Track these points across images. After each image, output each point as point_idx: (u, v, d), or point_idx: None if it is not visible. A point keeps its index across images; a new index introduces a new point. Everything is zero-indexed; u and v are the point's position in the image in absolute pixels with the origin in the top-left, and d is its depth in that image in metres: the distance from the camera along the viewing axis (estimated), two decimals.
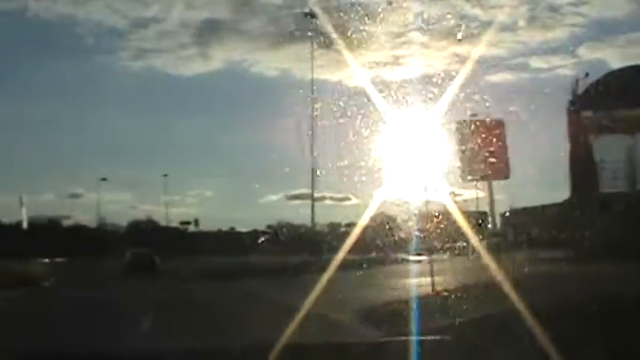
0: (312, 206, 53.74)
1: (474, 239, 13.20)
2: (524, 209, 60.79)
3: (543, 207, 61.26)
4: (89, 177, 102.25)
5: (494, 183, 30.21)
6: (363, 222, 13.73)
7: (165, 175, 79.06)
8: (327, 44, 12.81)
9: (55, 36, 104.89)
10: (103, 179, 77.31)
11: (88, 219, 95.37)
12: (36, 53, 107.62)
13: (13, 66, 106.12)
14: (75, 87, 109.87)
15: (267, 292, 22.24)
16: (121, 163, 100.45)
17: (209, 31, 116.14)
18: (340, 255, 14.84)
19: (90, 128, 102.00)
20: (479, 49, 14.10)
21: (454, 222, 12.92)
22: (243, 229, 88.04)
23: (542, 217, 56.41)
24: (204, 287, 27.72)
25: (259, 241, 70.28)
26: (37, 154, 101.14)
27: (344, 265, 15.81)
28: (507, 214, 58.37)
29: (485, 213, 53.18)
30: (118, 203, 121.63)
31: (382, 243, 15.35)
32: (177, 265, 46.12)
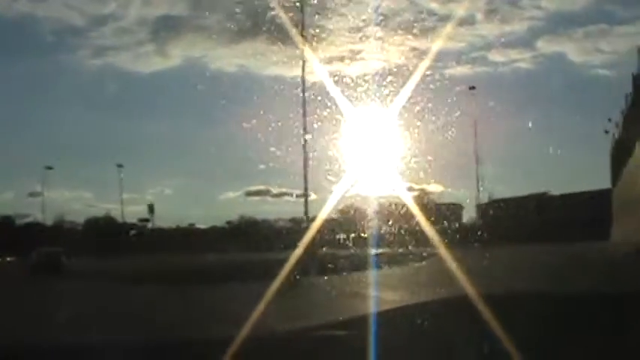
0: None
1: (431, 233, 13.23)
2: (503, 200, 60.30)
3: (524, 198, 60.74)
4: (48, 176, 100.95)
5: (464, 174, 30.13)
6: (323, 217, 13.73)
7: (120, 166, 76.28)
8: (286, 40, 12.78)
9: (15, 34, 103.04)
10: (49, 167, 72.93)
11: (46, 217, 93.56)
12: None
13: None
14: (35, 85, 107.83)
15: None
16: (81, 161, 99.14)
17: (167, 28, 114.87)
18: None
19: (49, 127, 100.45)
20: (437, 44, 14.21)
21: (412, 216, 13.01)
22: (203, 226, 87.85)
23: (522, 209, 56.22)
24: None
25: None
26: None
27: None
28: (485, 205, 57.85)
29: (458, 205, 52.89)
30: (77, 201, 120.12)
31: (344, 238, 15.38)
32: (112, 263, 44.57)
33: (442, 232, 16.30)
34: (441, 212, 36.94)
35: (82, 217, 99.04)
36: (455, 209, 51.95)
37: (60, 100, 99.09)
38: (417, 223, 13.19)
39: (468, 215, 60.54)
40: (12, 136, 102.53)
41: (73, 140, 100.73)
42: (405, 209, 13.01)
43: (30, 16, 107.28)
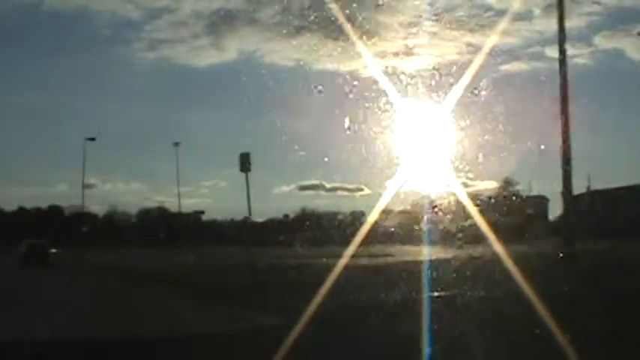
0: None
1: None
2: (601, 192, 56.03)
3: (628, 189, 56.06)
4: (103, 168, 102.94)
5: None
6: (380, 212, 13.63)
7: (177, 144, 73.03)
8: (340, 34, 12.75)
9: (71, 29, 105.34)
10: (91, 139, 67.11)
11: (100, 209, 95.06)
12: (52, 46, 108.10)
13: (29, 59, 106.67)
14: (91, 79, 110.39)
15: None
16: (135, 154, 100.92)
17: (222, 21, 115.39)
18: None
19: (105, 120, 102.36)
20: (493, 39, 14.03)
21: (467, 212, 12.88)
22: (259, 219, 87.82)
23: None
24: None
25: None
26: (51, 145, 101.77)
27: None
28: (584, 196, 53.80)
29: (543, 197, 50.20)
30: (131, 194, 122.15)
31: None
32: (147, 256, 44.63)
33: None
34: (528, 205, 35.41)
35: (135, 209, 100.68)
36: (540, 202, 48.49)
37: (115, 93, 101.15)
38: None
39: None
40: (67, 128, 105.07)
41: (127, 133, 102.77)
42: (462, 206, 12.88)
43: (85, 9, 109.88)
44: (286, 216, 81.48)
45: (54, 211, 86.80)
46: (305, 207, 76.09)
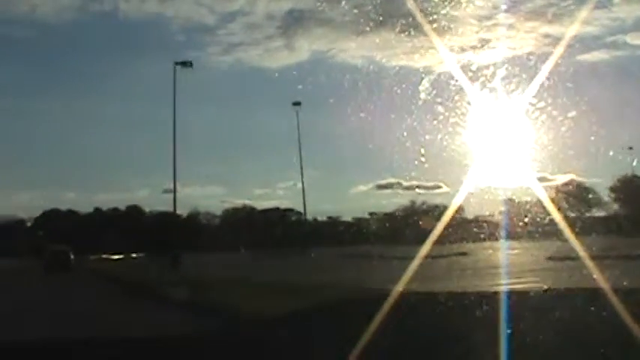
0: None
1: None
2: None
3: None
4: (182, 173, 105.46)
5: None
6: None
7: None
8: (413, 30, 12.65)
9: (146, 35, 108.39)
10: None
11: (181, 212, 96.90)
12: (128, 53, 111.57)
13: (107, 67, 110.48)
14: (167, 85, 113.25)
15: None
16: (213, 158, 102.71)
17: (294, 22, 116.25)
18: None
19: (183, 124, 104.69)
20: (571, 29, 13.63)
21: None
22: (347, 219, 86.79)
23: None
24: None
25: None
26: (130, 152, 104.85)
27: None
28: None
29: None
30: (210, 198, 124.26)
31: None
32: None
33: None
34: None
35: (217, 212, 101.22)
36: None
37: (192, 98, 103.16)
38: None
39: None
40: (146, 134, 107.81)
41: (204, 137, 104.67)
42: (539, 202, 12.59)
43: (159, 16, 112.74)
44: (372, 214, 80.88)
45: (134, 212, 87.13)
46: (413, 202, 74.10)
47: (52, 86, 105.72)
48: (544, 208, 13.25)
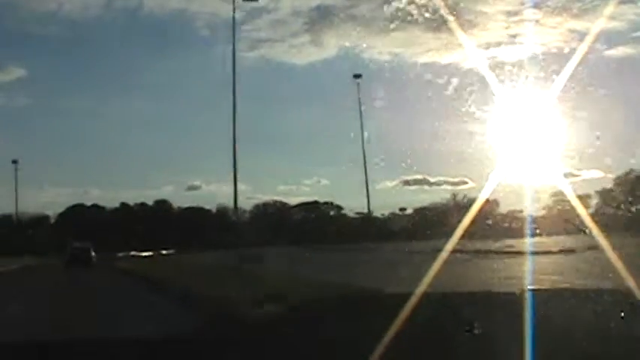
0: None
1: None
2: None
3: None
4: (207, 170, 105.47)
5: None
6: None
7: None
8: (440, 26, 12.74)
9: (171, 31, 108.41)
10: None
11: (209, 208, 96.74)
12: (153, 49, 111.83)
13: (131, 63, 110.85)
14: (192, 81, 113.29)
15: None
16: (238, 154, 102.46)
17: (320, 18, 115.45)
18: None
19: (207, 121, 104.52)
20: (597, 24, 13.63)
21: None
22: (377, 214, 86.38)
23: None
24: None
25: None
26: (154, 149, 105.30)
27: None
28: None
29: None
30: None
31: None
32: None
33: None
34: None
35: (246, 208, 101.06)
36: None
37: (216, 93, 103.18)
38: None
39: None
40: (170, 131, 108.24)
41: (230, 133, 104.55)
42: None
43: (184, 11, 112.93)
44: (402, 209, 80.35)
45: (163, 207, 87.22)
46: (455, 195, 72.74)
47: (78, 84, 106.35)
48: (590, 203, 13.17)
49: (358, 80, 52.84)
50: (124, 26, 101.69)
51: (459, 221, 12.50)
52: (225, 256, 38.82)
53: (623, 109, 12.70)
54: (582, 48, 11.97)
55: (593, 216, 14.55)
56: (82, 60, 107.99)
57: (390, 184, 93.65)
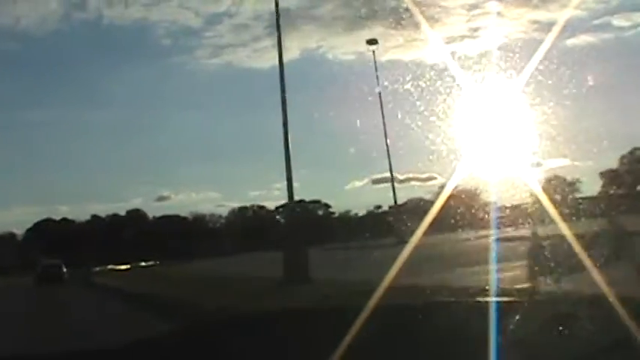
0: None
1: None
2: None
3: None
4: (175, 179, 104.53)
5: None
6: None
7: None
8: (402, 23, 12.73)
9: (132, 41, 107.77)
10: None
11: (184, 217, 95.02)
12: (114, 60, 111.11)
13: (93, 74, 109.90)
14: (154, 90, 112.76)
15: None
16: (205, 162, 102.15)
17: (282, 20, 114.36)
18: None
19: (172, 130, 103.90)
20: (558, 14, 13.73)
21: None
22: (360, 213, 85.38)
23: None
24: None
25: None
26: (121, 160, 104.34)
27: None
28: None
29: None
30: (206, 202, 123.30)
31: None
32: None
33: None
34: None
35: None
36: None
37: (180, 102, 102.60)
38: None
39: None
40: (134, 142, 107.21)
41: (196, 142, 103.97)
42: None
43: (144, 21, 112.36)
44: (378, 207, 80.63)
45: (136, 217, 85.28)
46: (412, 197, 73.53)
47: (40, 97, 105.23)
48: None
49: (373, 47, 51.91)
50: (84, 38, 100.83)
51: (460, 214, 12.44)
52: (239, 265, 36.19)
53: (587, 97, 12.79)
54: (544, 38, 12.05)
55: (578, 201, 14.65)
56: (44, 73, 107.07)
57: (359, 183, 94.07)
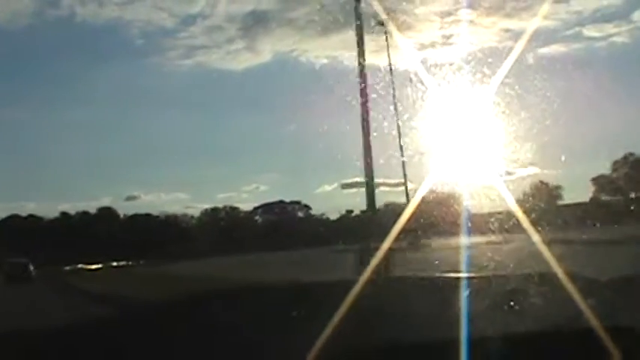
0: None
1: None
2: None
3: None
4: (144, 179, 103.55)
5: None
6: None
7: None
8: (374, 29, 12.74)
9: (105, 40, 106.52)
10: None
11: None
12: (86, 58, 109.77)
13: (64, 72, 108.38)
14: (127, 90, 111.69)
15: None
16: (175, 163, 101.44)
17: (256, 23, 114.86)
18: None
19: (143, 130, 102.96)
20: (530, 23, 13.86)
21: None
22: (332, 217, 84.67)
23: None
24: None
25: None
26: (90, 160, 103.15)
27: None
28: None
29: None
30: (175, 203, 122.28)
31: None
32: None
33: None
34: None
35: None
36: None
37: (152, 102, 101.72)
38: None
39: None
40: (105, 141, 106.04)
41: (167, 142, 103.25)
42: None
43: (118, 20, 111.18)
44: (350, 211, 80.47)
45: (107, 215, 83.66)
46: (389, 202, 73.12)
47: (8, 94, 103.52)
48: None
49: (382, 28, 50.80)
50: (55, 35, 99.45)
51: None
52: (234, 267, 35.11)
53: (557, 106, 12.92)
54: (516, 47, 12.15)
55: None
56: (15, 69, 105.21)
57: (328, 187, 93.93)
